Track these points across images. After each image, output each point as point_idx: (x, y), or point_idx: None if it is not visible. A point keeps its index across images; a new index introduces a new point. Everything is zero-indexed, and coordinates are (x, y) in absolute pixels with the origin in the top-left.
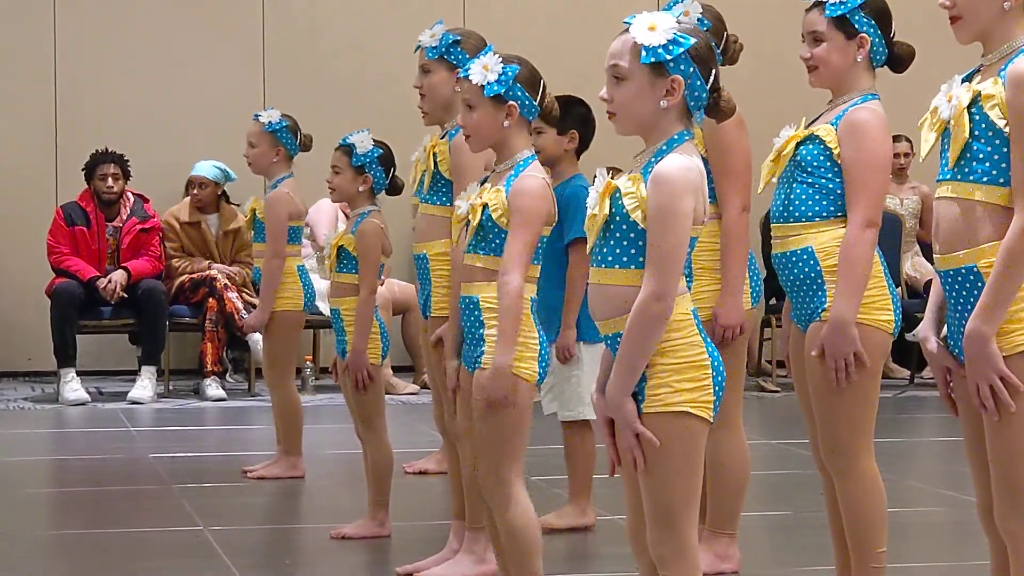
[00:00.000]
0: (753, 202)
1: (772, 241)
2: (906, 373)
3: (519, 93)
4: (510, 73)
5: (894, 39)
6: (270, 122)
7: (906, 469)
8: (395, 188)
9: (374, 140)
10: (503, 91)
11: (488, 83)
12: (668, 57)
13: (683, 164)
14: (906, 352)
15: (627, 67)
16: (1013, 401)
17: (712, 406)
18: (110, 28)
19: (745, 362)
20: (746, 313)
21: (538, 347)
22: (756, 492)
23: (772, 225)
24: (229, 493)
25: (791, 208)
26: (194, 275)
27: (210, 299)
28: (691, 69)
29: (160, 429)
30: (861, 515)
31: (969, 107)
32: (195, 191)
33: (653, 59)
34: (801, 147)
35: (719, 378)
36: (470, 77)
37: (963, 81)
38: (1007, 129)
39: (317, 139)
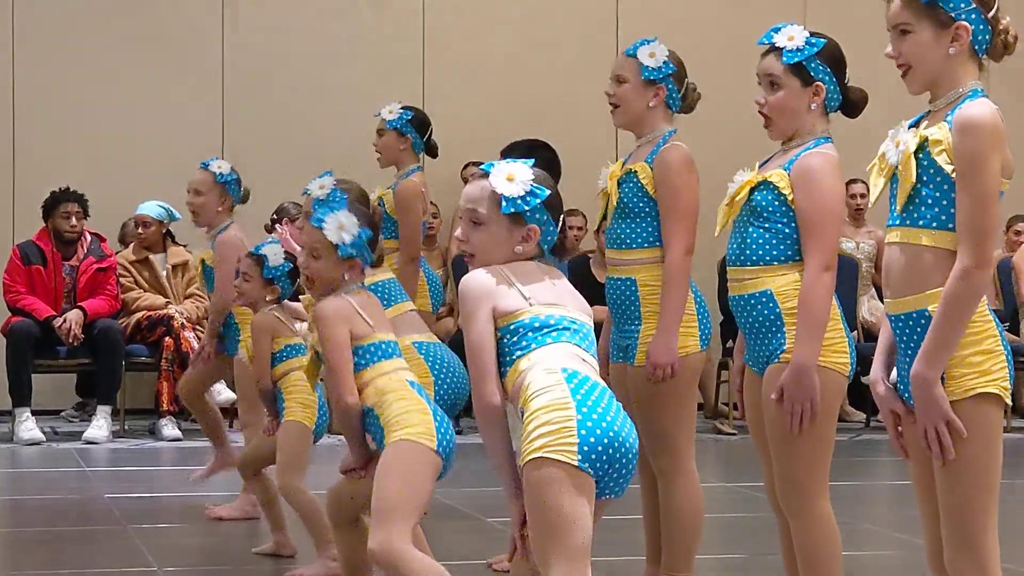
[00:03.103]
0: (710, 245)
1: (729, 284)
2: (862, 416)
3: (365, 254)
4: (363, 238)
5: (848, 84)
6: (222, 173)
7: (861, 512)
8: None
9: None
10: (354, 254)
11: (342, 244)
12: (526, 208)
13: None
14: (862, 395)
15: (485, 214)
16: (955, 448)
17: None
18: (68, 67)
19: (695, 405)
20: (695, 356)
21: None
22: (711, 534)
23: (728, 268)
24: (184, 533)
25: (747, 252)
26: (152, 312)
27: (167, 338)
28: (544, 217)
29: (115, 469)
30: (815, 556)
31: (916, 152)
32: (140, 231)
33: (513, 210)
34: (755, 192)
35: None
36: (324, 231)
37: (910, 126)
38: (955, 174)
39: (275, 178)
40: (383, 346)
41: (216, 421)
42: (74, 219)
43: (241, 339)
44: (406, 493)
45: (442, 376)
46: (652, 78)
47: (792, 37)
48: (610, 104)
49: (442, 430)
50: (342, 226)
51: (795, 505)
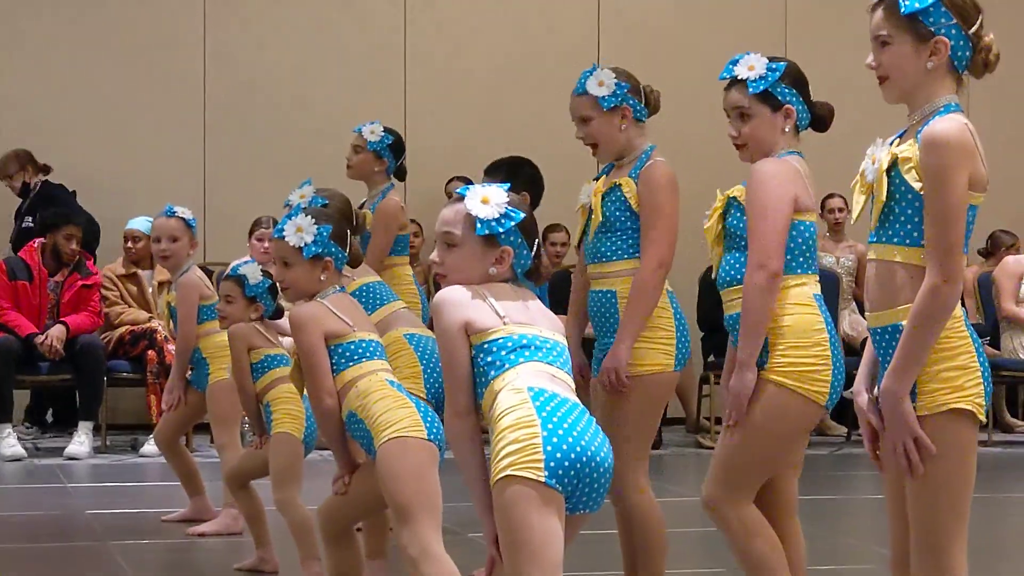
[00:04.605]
0: (692, 261)
1: (723, 305)
2: (843, 430)
3: (333, 249)
4: (324, 233)
5: (813, 101)
6: (186, 218)
7: (841, 526)
8: (277, 314)
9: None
10: (320, 251)
11: (305, 245)
12: (500, 230)
13: None
14: (843, 409)
15: (460, 235)
16: (924, 463)
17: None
18: (48, 81)
19: (657, 424)
20: (668, 376)
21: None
22: (691, 548)
23: (719, 290)
24: (166, 549)
25: (726, 276)
26: (134, 327)
27: (150, 351)
28: (519, 240)
29: (97, 485)
30: (751, 560)
31: (889, 170)
32: (129, 245)
33: (487, 231)
34: (727, 216)
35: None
36: (285, 238)
37: (889, 144)
38: (922, 191)
39: (258, 191)
40: (363, 345)
41: (191, 470)
42: (75, 243)
43: (211, 370)
44: (415, 488)
45: (430, 368)
46: (613, 104)
47: (752, 67)
48: (587, 145)
49: (428, 418)
50: (300, 228)
51: (716, 499)
